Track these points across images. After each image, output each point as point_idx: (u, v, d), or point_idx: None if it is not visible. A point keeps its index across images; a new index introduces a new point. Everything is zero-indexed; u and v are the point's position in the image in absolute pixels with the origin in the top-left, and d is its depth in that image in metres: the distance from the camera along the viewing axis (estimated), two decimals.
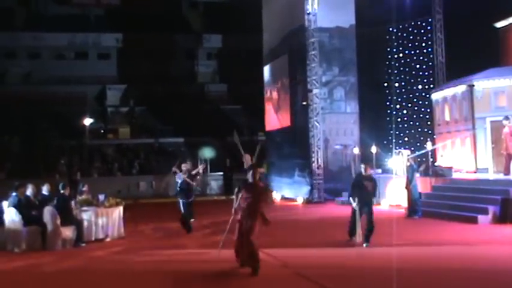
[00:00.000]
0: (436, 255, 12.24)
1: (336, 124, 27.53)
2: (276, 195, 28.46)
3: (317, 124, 25.95)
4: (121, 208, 16.54)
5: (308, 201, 25.57)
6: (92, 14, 47.50)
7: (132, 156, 38.05)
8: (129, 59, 45.20)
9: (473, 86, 22.05)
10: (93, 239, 15.30)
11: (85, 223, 15.20)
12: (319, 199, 25.43)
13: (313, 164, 25.85)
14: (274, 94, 32.29)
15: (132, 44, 45.18)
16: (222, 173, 33.97)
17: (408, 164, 19.62)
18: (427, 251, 12.84)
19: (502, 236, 14.18)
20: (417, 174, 19.99)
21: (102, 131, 43.06)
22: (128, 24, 44.62)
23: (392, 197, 22.20)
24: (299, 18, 27.43)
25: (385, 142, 26.92)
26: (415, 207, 18.78)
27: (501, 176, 19.04)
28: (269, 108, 33.32)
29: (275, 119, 32.31)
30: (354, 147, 26.76)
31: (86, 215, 15.35)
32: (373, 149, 23.81)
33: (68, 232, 14.54)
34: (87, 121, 38.94)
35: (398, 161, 22.71)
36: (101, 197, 16.35)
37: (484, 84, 21.92)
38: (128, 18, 44.58)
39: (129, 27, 44.77)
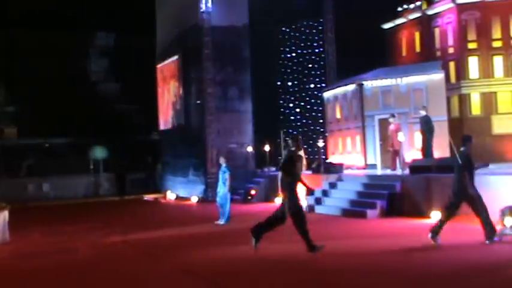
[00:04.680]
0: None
1: (230, 123, 27.60)
2: (171, 195, 28.26)
3: (211, 123, 25.87)
4: (6, 212, 15.75)
5: (203, 200, 25.47)
6: None
7: (20, 157, 36.45)
8: (15, 56, 43.32)
9: (363, 84, 22.73)
10: None
11: None
12: (213, 198, 25.34)
13: (208, 163, 25.75)
14: (168, 93, 31.94)
15: (19, 41, 43.33)
16: (115, 174, 33.26)
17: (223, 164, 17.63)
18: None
19: (385, 230, 14.59)
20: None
21: None
22: (14, 20, 42.74)
23: None
24: (193, 16, 27.27)
25: (278, 140, 27.28)
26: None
27: (388, 172, 19.72)
28: (163, 107, 32.95)
29: (169, 118, 31.99)
30: (248, 145, 26.94)
31: None
32: (267, 147, 24.05)
33: None
34: None
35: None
36: None
37: (373, 83, 22.66)
38: (14, 13, 42.71)
39: (17, 24, 42.90)
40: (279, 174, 11.66)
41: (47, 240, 16.43)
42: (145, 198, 29.53)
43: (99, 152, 33.95)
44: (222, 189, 17.33)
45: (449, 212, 11.63)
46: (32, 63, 42.56)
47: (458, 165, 11.55)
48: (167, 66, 32.03)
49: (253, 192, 23.93)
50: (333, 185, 19.82)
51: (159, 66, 33.26)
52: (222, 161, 17.82)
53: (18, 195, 28.75)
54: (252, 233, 11.86)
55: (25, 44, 43.21)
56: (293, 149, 11.97)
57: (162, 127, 33.46)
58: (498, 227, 11.89)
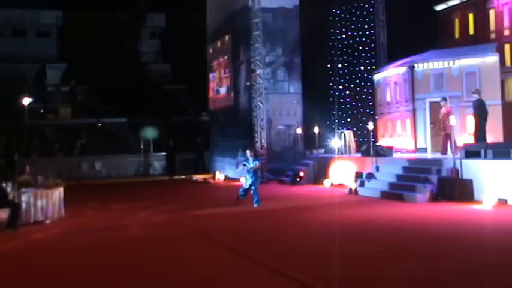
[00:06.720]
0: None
1: (279, 104, 27.67)
2: (220, 175, 28.52)
3: (260, 104, 25.96)
4: (61, 189, 16.21)
5: None
6: None
7: (74, 136, 37.35)
8: (70, 38, 44.17)
9: (414, 67, 22.42)
10: (32, 221, 14.95)
11: (24, 205, 14.82)
12: (262, 179, 25.49)
13: (257, 144, 25.89)
14: (218, 74, 32.15)
15: (74, 22, 44.14)
16: (165, 154, 33.74)
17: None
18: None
19: (435, 213, 14.57)
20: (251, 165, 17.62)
21: (42, 111, 42.08)
22: (69, 2, 43.55)
23: (334, 177, 22.51)
24: None
25: (327, 122, 27.22)
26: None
27: (439, 156, 19.50)
28: (213, 88, 33.18)
29: (219, 98, 32.21)
30: (297, 127, 26.94)
31: (25, 197, 14.97)
32: (316, 129, 24.04)
33: (4, 215, 14.12)
34: (26, 101, 37.97)
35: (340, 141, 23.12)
36: (40, 178, 15.98)
37: (424, 66, 22.32)
38: None
39: (70, 5, 43.69)
40: None
41: (100, 217, 16.85)
42: (195, 179, 29.88)
43: (149, 132, 34.44)
44: (252, 177, 17.49)
45: None
46: (85, 44, 43.37)
47: None
48: (217, 47, 32.21)
49: (301, 174, 23.96)
50: (382, 168, 19.75)
51: (209, 47, 33.47)
52: (248, 154, 17.89)
53: (72, 173, 29.51)
54: None
55: (78, 24, 44.01)
56: None
57: (211, 108, 33.73)
58: None
